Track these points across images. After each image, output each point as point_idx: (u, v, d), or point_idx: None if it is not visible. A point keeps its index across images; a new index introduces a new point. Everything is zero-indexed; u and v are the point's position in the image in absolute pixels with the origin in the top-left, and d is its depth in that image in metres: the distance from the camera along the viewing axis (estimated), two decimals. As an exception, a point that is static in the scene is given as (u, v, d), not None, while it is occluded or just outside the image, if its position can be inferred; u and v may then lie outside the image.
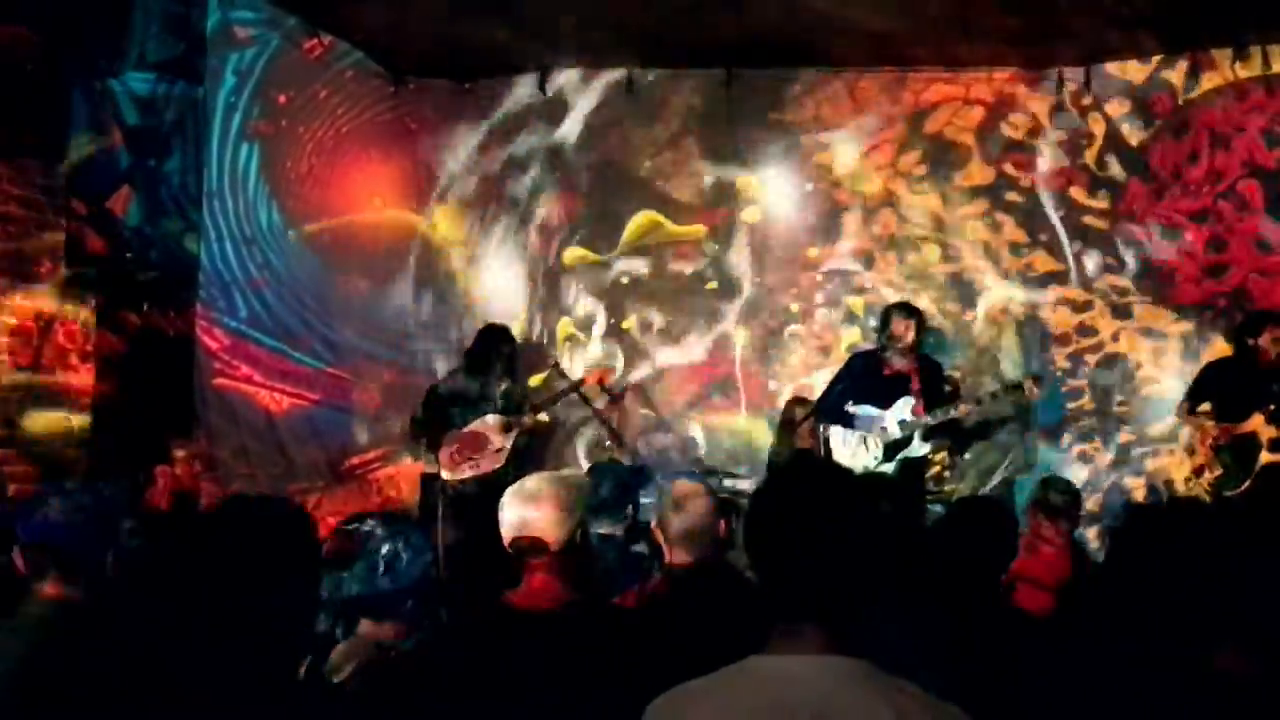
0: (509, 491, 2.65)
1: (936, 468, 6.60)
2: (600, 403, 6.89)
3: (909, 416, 5.81)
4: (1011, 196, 7.03)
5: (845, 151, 7.27)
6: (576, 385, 6.31)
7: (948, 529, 3.08)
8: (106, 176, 5.73)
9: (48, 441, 5.41)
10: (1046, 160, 6.96)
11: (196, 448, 5.91)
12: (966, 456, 6.64)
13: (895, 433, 5.82)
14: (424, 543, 2.63)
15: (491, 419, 5.94)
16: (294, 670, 2.09)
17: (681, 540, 2.90)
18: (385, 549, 2.56)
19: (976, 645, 2.44)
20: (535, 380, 6.88)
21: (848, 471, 1.82)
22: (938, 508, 5.92)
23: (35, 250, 5.37)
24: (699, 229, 7.50)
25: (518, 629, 2.38)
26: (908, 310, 6.04)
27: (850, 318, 7.18)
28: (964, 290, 7.05)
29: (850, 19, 6.33)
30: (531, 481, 2.59)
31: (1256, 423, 5.48)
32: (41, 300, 5.40)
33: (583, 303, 7.63)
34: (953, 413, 5.81)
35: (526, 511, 2.50)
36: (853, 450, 5.78)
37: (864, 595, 1.62)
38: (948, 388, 6.10)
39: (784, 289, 7.38)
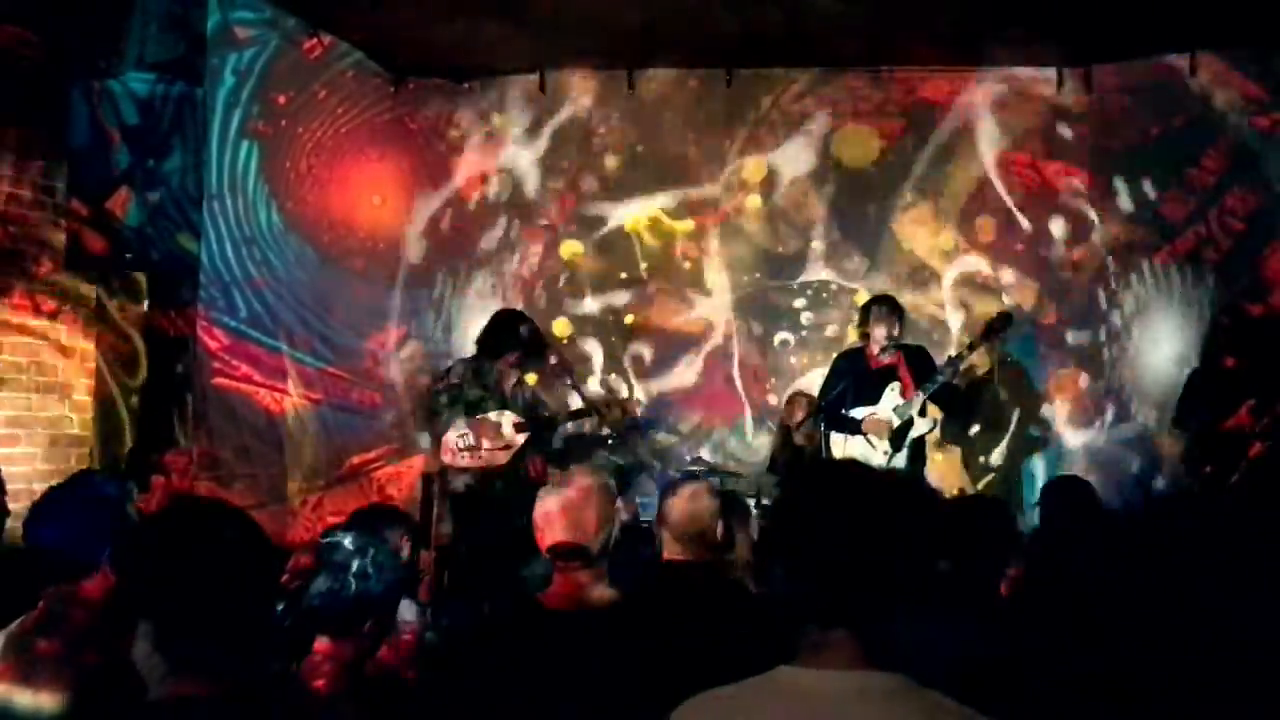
0: (547, 494, 2.62)
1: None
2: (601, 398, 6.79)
3: (900, 401, 5.83)
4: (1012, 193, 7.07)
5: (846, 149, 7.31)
6: (582, 395, 6.14)
7: (948, 529, 3.07)
8: (106, 176, 5.73)
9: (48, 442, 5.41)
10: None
11: (192, 452, 5.89)
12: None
13: (895, 421, 5.83)
14: (392, 560, 2.55)
15: (508, 415, 5.82)
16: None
17: (680, 539, 2.91)
18: (354, 565, 2.48)
19: (986, 647, 2.43)
20: (531, 379, 6.84)
21: (874, 471, 1.78)
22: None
23: (35, 250, 5.37)
24: (689, 224, 7.51)
25: (552, 628, 2.39)
26: (886, 303, 6.05)
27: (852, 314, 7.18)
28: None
29: (850, 19, 6.34)
30: (572, 486, 2.57)
31: (1241, 417, 5.56)
32: (42, 300, 5.40)
33: (580, 300, 7.63)
34: (939, 379, 5.81)
35: (570, 517, 2.49)
36: (860, 452, 5.77)
37: (897, 600, 1.57)
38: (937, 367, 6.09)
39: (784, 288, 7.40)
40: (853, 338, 6.77)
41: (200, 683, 1.73)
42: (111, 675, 2.14)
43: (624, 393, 7.30)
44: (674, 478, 4.68)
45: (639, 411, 6.93)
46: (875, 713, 1.49)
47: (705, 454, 7.15)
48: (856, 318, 6.35)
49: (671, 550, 2.93)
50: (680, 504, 2.94)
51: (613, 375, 7.51)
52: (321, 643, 2.47)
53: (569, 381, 6.20)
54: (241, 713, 1.78)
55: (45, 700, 2.30)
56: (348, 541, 2.52)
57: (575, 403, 6.17)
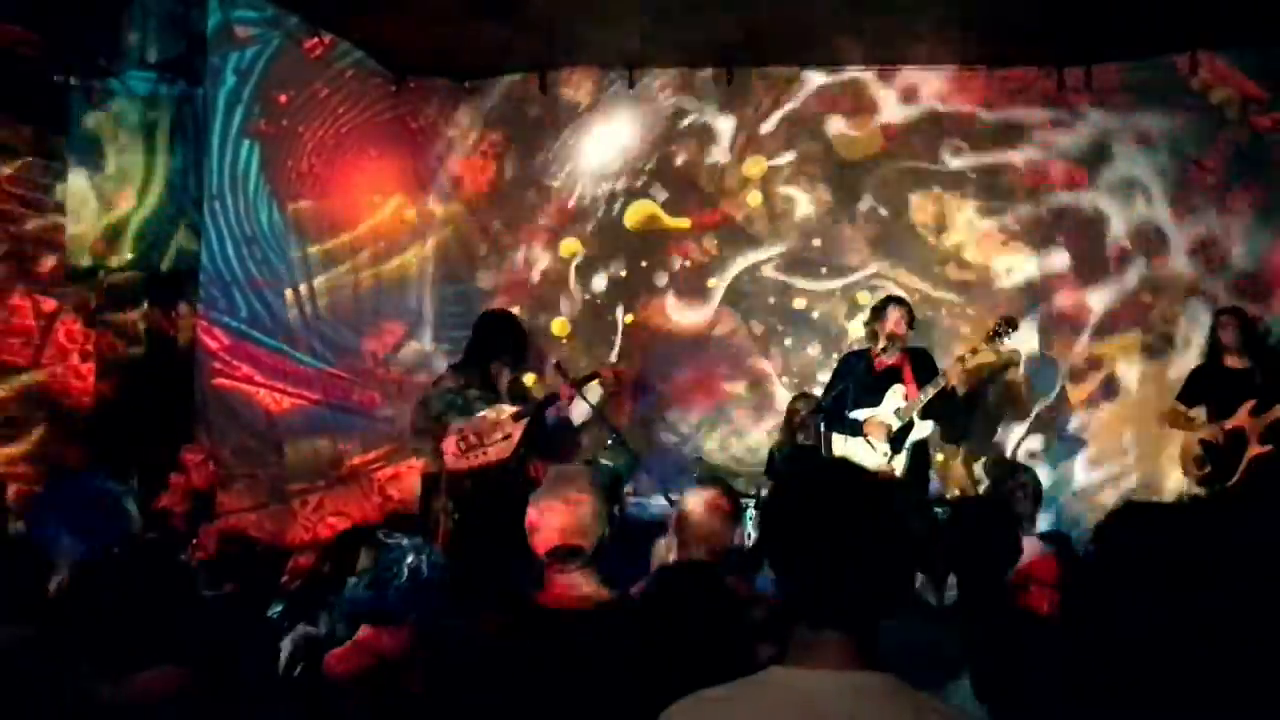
0: (541, 496, 2.64)
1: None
2: (599, 398, 6.78)
3: (902, 403, 5.82)
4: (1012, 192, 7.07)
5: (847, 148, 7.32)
6: (588, 379, 6.18)
7: (949, 530, 3.07)
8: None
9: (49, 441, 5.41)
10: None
11: (208, 449, 5.89)
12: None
13: (895, 423, 5.81)
14: (443, 562, 2.65)
15: (504, 407, 5.84)
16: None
17: (698, 541, 2.92)
18: (410, 559, 2.59)
19: (987, 647, 2.43)
20: (530, 379, 6.83)
21: (867, 470, 1.77)
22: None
23: (35, 250, 5.37)
24: (688, 222, 7.51)
25: (548, 628, 2.40)
26: (898, 303, 6.05)
27: (853, 312, 7.19)
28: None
29: (850, 18, 6.34)
30: (566, 487, 2.59)
31: (1242, 418, 5.57)
32: (42, 300, 5.40)
33: (580, 298, 7.63)
34: (941, 382, 5.79)
35: (565, 518, 2.51)
36: (858, 455, 5.76)
37: (889, 602, 1.56)
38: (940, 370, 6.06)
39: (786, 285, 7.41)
40: (860, 335, 6.77)
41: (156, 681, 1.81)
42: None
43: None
44: (695, 480, 4.69)
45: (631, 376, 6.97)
46: (865, 712, 1.49)
47: (705, 454, 7.15)
48: (866, 316, 6.33)
49: (687, 552, 2.94)
50: (699, 507, 2.95)
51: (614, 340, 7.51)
52: (364, 631, 2.54)
53: (557, 368, 6.25)
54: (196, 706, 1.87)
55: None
56: (405, 540, 2.65)
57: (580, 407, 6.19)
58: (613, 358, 7.45)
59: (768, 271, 7.42)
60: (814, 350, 7.33)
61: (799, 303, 7.37)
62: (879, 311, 6.06)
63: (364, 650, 2.50)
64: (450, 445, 5.74)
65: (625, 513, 6.30)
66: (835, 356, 6.66)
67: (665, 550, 3.37)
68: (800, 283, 7.36)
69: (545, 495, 2.63)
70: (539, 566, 2.64)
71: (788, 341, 7.39)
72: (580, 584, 2.53)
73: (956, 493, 6.64)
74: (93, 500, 2.78)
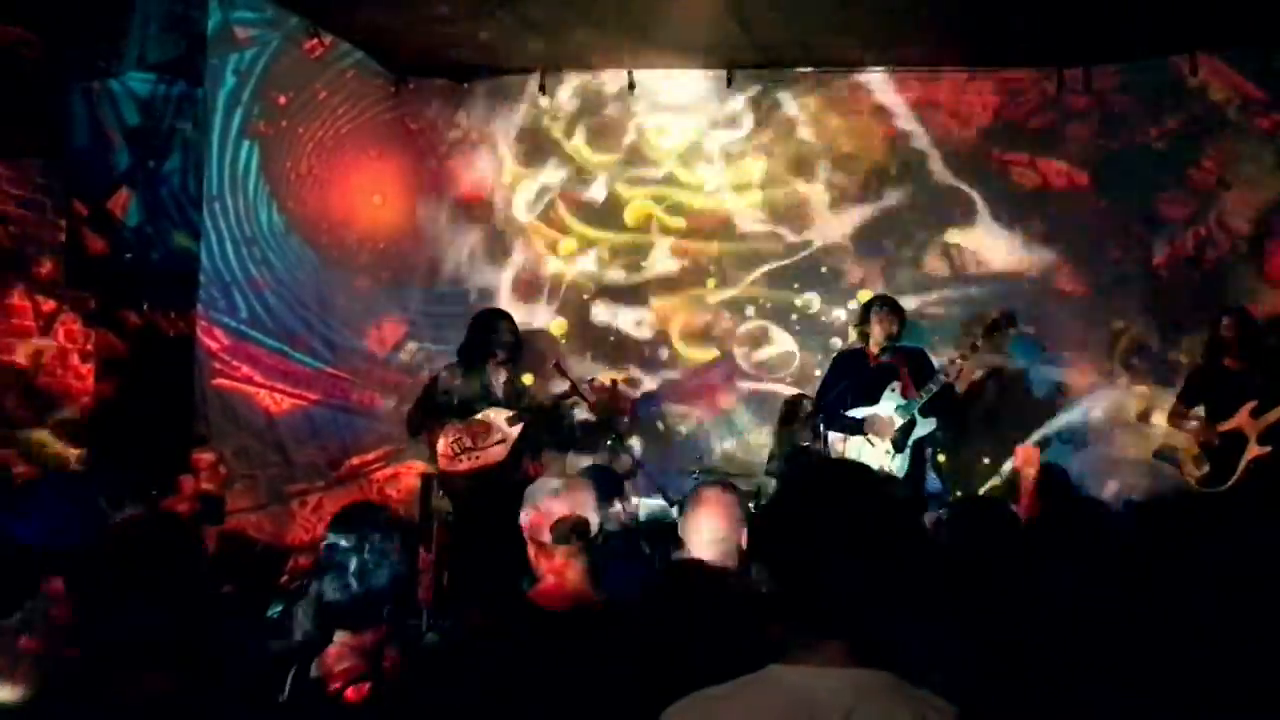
0: (543, 482, 2.72)
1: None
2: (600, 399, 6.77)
3: (901, 400, 5.82)
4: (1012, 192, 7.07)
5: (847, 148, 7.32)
6: (577, 389, 6.17)
7: (951, 530, 3.07)
8: (106, 177, 5.73)
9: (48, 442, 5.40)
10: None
11: (216, 450, 5.88)
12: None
13: (897, 421, 5.82)
14: (389, 546, 2.59)
15: (496, 411, 5.84)
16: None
17: (707, 544, 2.92)
18: (353, 563, 2.54)
19: (989, 648, 2.42)
20: (529, 379, 6.83)
21: (868, 470, 1.77)
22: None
23: (35, 250, 5.37)
24: (687, 223, 7.50)
25: (543, 625, 2.41)
26: (886, 303, 6.05)
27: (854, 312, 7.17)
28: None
29: (850, 19, 6.35)
30: (568, 476, 2.64)
31: (1242, 419, 5.57)
32: (41, 300, 5.40)
33: (579, 299, 7.63)
34: (942, 379, 5.79)
35: (572, 496, 2.55)
36: (858, 453, 5.76)
37: (889, 600, 1.56)
38: (938, 368, 6.04)
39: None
40: (853, 337, 6.77)
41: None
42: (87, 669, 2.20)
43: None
44: (700, 482, 4.69)
45: (630, 398, 6.94)
46: (864, 710, 1.49)
47: (705, 455, 7.15)
48: (857, 317, 6.35)
49: (693, 553, 2.95)
50: (705, 508, 2.96)
51: (611, 374, 7.51)
52: (343, 636, 2.53)
53: (556, 368, 6.23)
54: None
55: (26, 695, 2.32)
56: (344, 542, 2.56)
57: (563, 389, 6.19)
58: (612, 359, 7.47)
59: (768, 272, 7.43)
60: (813, 351, 7.33)
61: (798, 302, 7.37)
62: (866, 311, 6.08)
63: (347, 650, 2.49)
64: (444, 447, 5.74)
65: (636, 518, 6.31)
66: (834, 355, 6.66)
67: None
68: (801, 283, 7.37)
69: (541, 488, 2.68)
70: (531, 567, 2.66)
71: (787, 342, 7.39)
72: (573, 578, 2.55)
73: (957, 493, 6.64)
74: (63, 500, 2.78)
